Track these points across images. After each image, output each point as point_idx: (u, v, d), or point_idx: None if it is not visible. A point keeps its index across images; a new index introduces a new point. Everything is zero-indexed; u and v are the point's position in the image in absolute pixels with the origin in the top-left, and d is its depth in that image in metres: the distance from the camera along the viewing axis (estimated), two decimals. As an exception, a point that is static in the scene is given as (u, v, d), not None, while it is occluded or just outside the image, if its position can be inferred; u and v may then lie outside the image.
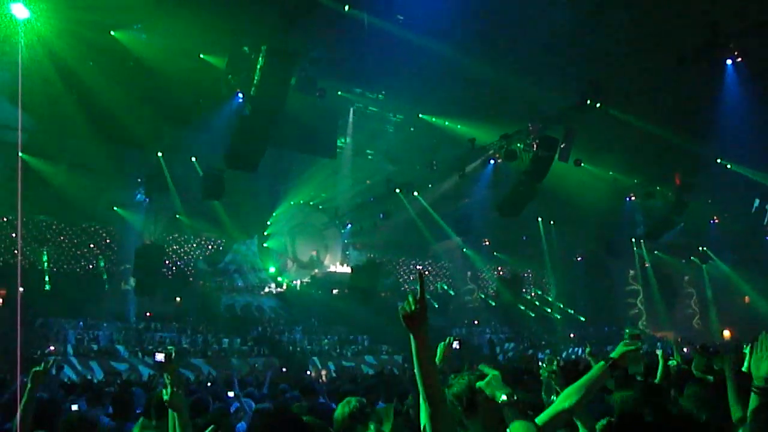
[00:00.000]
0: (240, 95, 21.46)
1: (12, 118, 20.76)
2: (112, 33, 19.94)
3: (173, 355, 3.92)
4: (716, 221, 37.14)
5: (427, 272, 41.02)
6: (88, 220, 30.14)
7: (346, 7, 18.80)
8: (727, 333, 36.13)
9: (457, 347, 4.76)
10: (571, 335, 35.88)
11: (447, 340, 4.80)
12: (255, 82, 18.21)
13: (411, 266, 40.53)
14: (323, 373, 24.90)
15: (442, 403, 2.86)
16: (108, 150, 24.68)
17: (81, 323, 26.25)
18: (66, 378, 19.18)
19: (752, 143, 25.44)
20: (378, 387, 9.80)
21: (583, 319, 39.79)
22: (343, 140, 28.41)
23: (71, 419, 5.04)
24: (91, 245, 30.65)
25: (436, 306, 37.72)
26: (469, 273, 40.41)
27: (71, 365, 22.62)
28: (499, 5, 19.10)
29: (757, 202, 33.46)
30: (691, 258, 40.24)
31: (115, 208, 28.82)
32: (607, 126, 25.35)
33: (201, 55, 21.33)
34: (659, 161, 28.79)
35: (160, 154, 25.44)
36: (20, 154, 23.21)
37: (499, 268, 42.02)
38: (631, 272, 42.36)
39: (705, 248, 38.56)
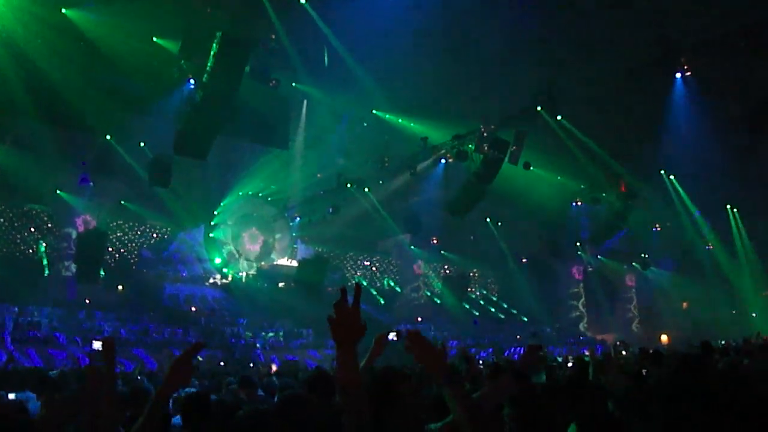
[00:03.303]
0: (192, 81, 21.17)
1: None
2: (63, 11, 19.48)
3: (111, 342, 3.77)
4: (658, 229, 38.02)
5: (374, 268, 41.07)
6: (30, 203, 29.29)
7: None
8: (665, 338, 37.03)
9: (395, 339, 4.50)
10: (518, 336, 36.31)
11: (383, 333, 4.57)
12: (208, 68, 17.98)
13: (358, 261, 40.53)
14: (273, 367, 24.63)
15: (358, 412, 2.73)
16: (53, 131, 24.06)
17: (20, 309, 25.51)
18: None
19: (695, 154, 26.12)
20: (317, 381, 9.74)
21: (525, 319, 40.31)
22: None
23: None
24: (32, 229, 29.84)
25: (383, 302, 37.81)
26: (415, 270, 40.54)
27: (8, 352, 22.04)
28: (458, 7, 19.22)
29: (697, 211, 34.37)
30: (633, 263, 41.10)
31: (58, 192, 28.07)
32: (557, 131, 25.76)
33: (154, 38, 20.97)
34: (606, 168, 29.34)
35: (110, 137, 24.91)
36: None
37: (446, 267, 42.31)
38: (575, 275, 43.08)
39: (646, 255, 39.42)
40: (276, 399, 6.49)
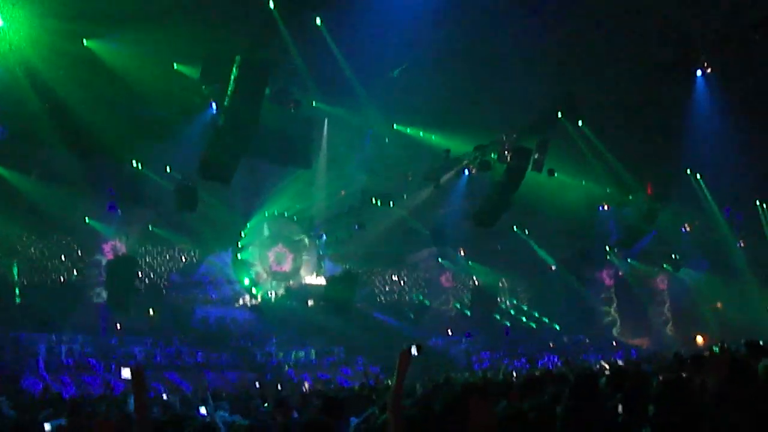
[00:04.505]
0: (214, 106, 21.39)
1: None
2: (84, 42, 19.77)
3: (140, 370, 3.81)
4: (688, 229, 37.56)
5: (402, 282, 40.98)
6: (59, 232, 29.65)
7: (318, 21, 18.90)
8: (700, 339, 36.47)
9: (416, 353, 4.43)
10: (551, 344, 35.98)
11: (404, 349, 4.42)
12: (229, 92, 18.12)
13: (386, 276, 40.47)
14: (306, 385, 24.62)
15: None
16: (80, 161, 24.37)
17: (53, 337, 25.78)
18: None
19: (722, 151, 25.80)
20: (351, 401, 9.73)
21: (558, 327, 39.95)
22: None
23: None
24: (63, 257, 30.20)
25: (412, 317, 37.74)
26: (443, 283, 40.43)
27: (42, 380, 22.29)
28: (474, 17, 19.23)
29: (727, 209, 33.93)
30: (664, 265, 40.57)
31: (86, 220, 28.43)
32: (580, 136, 25.60)
33: (174, 65, 21.20)
34: (631, 171, 29.07)
35: (136, 164, 25.18)
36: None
37: (474, 278, 42.10)
38: (605, 280, 42.66)
39: (677, 255, 38.90)
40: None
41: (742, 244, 37.24)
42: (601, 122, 25.22)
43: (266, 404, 9.14)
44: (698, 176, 30.61)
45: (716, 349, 11.08)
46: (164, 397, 13.90)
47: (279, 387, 23.67)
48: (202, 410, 8.46)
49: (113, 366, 24.46)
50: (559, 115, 24.29)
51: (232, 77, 17.92)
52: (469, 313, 39.71)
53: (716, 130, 24.43)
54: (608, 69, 21.85)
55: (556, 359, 29.64)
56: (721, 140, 24.93)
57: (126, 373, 3.97)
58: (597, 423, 4.81)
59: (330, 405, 5.88)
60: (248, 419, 8.15)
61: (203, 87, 21.01)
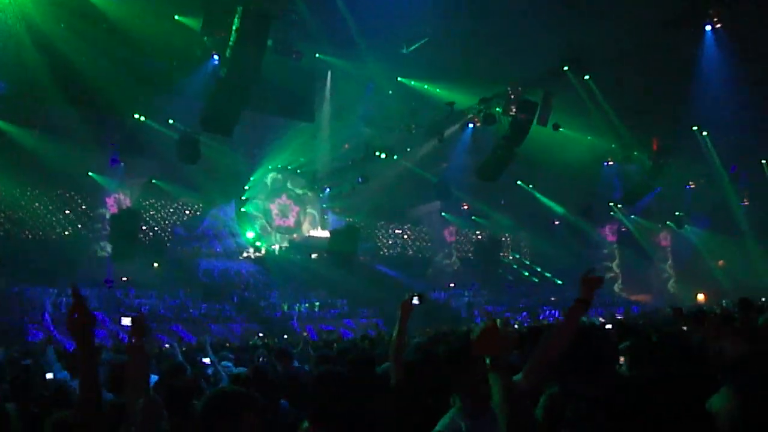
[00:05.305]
0: (215, 57, 21.19)
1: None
2: (84, -6, 19.53)
3: (140, 318, 3.82)
4: (692, 186, 37.45)
5: (406, 236, 41.10)
6: (63, 186, 29.69)
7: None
8: (701, 296, 36.63)
9: (417, 303, 4.51)
10: (552, 299, 36.19)
11: (406, 297, 4.56)
12: (230, 43, 17.87)
13: (390, 230, 40.57)
14: (304, 335, 24.86)
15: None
16: (82, 114, 24.28)
17: (56, 290, 25.93)
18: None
19: (729, 108, 25.54)
20: (352, 351, 9.81)
21: (560, 282, 40.13)
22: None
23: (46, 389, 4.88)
24: (67, 211, 30.27)
25: (415, 270, 37.93)
26: (447, 237, 40.54)
27: (48, 332, 22.51)
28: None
29: (732, 167, 33.76)
30: (667, 222, 40.57)
31: (90, 174, 28.43)
32: (585, 90, 25.35)
33: (175, 17, 20.93)
34: (637, 126, 28.84)
35: (138, 117, 25.03)
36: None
37: (478, 232, 42.20)
38: (608, 236, 42.73)
39: (681, 213, 38.86)
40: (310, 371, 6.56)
41: (745, 203, 37.17)
42: (607, 77, 24.93)
43: (269, 354, 9.23)
44: (704, 133, 30.35)
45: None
46: (166, 345, 14.02)
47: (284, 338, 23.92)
48: (206, 360, 8.53)
49: (120, 318, 24.62)
50: (566, 68, 24.00)
51: (234, 28, 17.66)
52: (472, 267, 39.91)
53: (724, 87, 24.13)
54: (615, 23, 21.52)
55: (557, 313, 29.83)
56: (729, 97, 24.66)
57: (126, 320, 4.01)
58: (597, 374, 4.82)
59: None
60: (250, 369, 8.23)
61: (205, 38, 20.78)
